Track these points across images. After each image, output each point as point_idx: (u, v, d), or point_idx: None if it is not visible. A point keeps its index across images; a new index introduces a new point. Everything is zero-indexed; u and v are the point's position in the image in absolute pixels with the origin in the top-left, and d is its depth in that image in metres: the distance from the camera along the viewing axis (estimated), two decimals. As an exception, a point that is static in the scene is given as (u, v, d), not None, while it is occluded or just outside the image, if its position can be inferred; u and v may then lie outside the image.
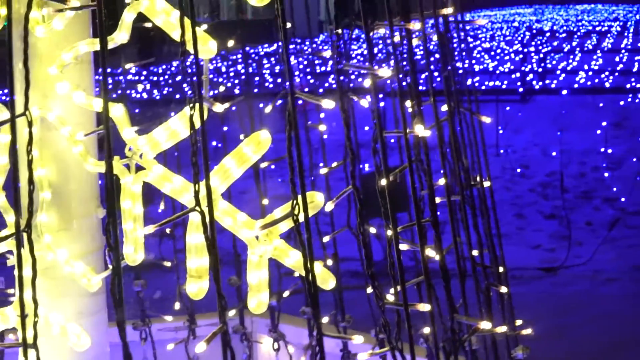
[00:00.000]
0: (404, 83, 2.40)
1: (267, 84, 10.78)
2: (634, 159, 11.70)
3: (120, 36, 2.68)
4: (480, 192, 2.90)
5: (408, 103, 2.36)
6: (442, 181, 2.38)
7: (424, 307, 2.17)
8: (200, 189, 2.05)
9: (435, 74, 2.71)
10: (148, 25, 2.69)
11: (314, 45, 15.40)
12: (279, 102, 2.84)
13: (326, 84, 12.79)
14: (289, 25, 3.81)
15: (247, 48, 15.03)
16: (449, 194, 2.44)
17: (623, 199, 9.87)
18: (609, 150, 11.79)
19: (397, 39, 2.53)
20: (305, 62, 12.54)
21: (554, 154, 11.84)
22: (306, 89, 9.23)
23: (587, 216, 9.41)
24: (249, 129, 3.74)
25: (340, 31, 2.82)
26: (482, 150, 3.04)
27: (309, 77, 11.08)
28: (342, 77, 3.03)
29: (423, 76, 2.85)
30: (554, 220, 9.33)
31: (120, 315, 1.97)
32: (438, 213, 2.44)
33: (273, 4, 2.13)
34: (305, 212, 1.98)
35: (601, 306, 7.05)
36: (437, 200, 2.38)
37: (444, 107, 2.71)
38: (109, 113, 2.13)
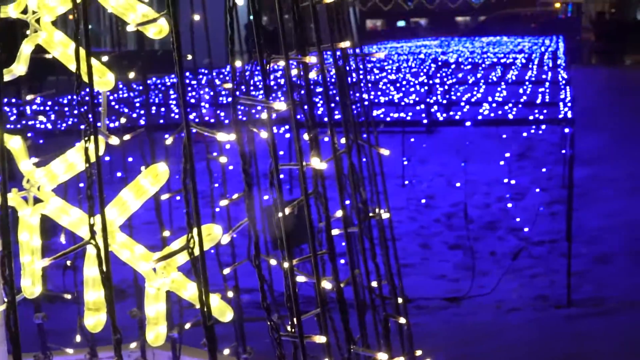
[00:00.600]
0: (301, 115, 2.43)
1: (173, 115, 10.71)
2: (537, 190, 11.92)
3: (18, 68, 2.66)
4: (379, 224, 2.94)
5: (307, 135, 2.39)
6: (339, 213, 2.41)
7: (320, 339, 2.19)
8: (97, 221, 2.04)
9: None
10: (48, 56, 2.67)
11: (221, 76, 15.35)
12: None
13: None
14: (189, 57, 3.80)
15: (154, 78, 14.88)
16: (346, 225, 2.47)
17: (526, 229, 10.02)
18: (513, 181, 11.99)
19: (295, 72, 2.56)
20: (212, 93, 12.50)
21: (458, 184, 11.99)
22: (212, 120, 9.19)
23: (491, 246, 9.53)
24: (151, 161, 3.74)
25: (240, 63, 2.82)
26: (382, 182, 3.07)
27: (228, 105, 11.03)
28: (242, 108, 3.03)
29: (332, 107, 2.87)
30: (459, 250, 9.43)
31: (16, 350, 1.94)
32: (344, 244, 2.46)
33: (174, 36, 2.13)
34: (201, 245, 1.98)
35: (505, 336, 7.14)
36: (336, 232, 2.40)
37: (343, 140, 2.74)
38: (4, 144, 2.11)
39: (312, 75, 2.51)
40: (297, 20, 2.32)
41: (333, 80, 2.95)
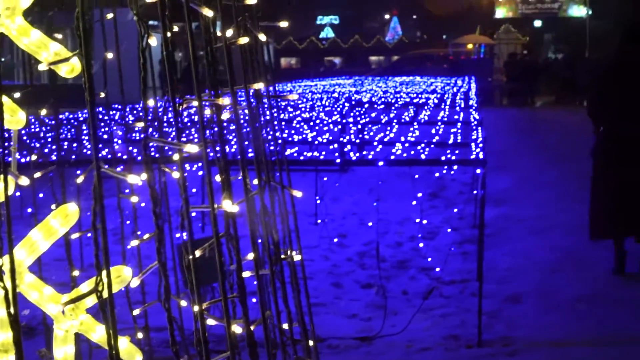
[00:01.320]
0: (213, 155, 2.42)
1: (85, 151, 10.57)
2: (449, 230, 12.04)
3: None
4: (290, 265, 2.94)
5: (219, 176, 2.39)
6: (250, 256, 2.41)
7: (230, 381, 2.18)
8: (5, 262, 2.00)
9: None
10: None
11: (135, 112, 15.22)
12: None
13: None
14: (102, 94, 3.78)
15: (67, 113, 14.67)
16: (258, 268, 2.46)
17: (438, 269, 10.10)
18: (425, 221, 12.10)
19: (208, 111, 2.56)
20: (125, 129, 12.37)
21: (370, 223, 12.06)
22: (124, 156, 9.10)
23: (403, 285, 9.57)
24: (61, 198, 3.69)
25: (152, 102, 2.81)
26: (294, 221, 3.08)
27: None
28: (155, 147, 3.02)
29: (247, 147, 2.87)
30: (371, 289, 9.44)
31: None
32: (256, 282, 2.45)
33: (86, 77, 2.11)
34: (109, 289, 1.96)
35: (415, 374, 7.19)
36: (247, 274, 2.40)
37: (255, 181, 2.74)
38: None
39: (225, 116, 2.52)
40: (211, 61, 2.32)
41: (247, 119, 2.95)
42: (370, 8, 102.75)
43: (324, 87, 27.64)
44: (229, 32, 2.57)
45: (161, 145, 2.25)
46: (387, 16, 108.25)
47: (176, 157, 2.22)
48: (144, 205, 3.74)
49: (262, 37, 2.86)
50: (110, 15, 3.14)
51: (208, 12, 2.27)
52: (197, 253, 2.19)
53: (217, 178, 2.40)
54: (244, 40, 2.49)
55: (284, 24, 3.52)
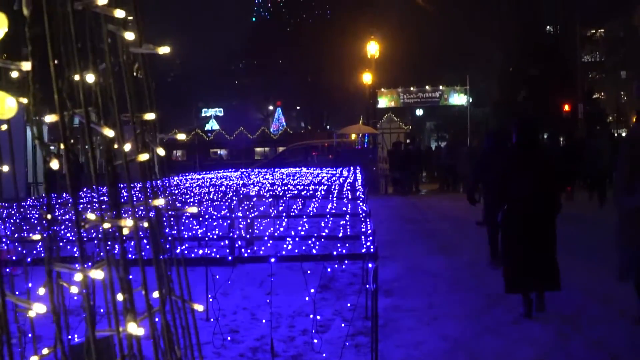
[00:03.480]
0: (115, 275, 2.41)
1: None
2: (342, 324, 12.04)
3: None
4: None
5: (121, 295, 2.37)
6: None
7: None
8: None
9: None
10: None
11: (22, 210, 14.95)
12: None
13: (34, 251, 12.39)
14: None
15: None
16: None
17: (332, 362, 10.07)
18: (318, 317, 12.08)
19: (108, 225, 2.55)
20: (13, 228, 12.15)
21: (264, 321, 12.00)
22: (14, 257, 8.92)
23: (297, 380, 9.51)
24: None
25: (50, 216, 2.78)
26: (195, 335, 3.06)
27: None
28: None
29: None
30: (265, 386, 9.37)
31: None
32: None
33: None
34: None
35: None
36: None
37: (155, 294, 2.72)
38: None
39: (126, 231, 2.50)
40: (112, 181, 2.32)
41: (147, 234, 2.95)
42: (254, 100, 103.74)
43: (211, 180, 27.66)
44: (128, 147, 2.57)
45: (63, 269, 2.21)
46: (270, 107, 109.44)
47: (79, 277, 2.19)
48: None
49: (161, 151, 2.88)
50: (4, 127, 3.11)
51: (109, 133, 2.28)
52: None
53: (120, 297, 2.38)
54: (144, 157, 2.50)
55: (181, 136, 3.54)
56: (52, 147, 2.63)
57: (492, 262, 16.09)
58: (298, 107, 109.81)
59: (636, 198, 10.55)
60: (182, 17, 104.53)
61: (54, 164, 2.24)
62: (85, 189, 16.79)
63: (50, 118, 2.44)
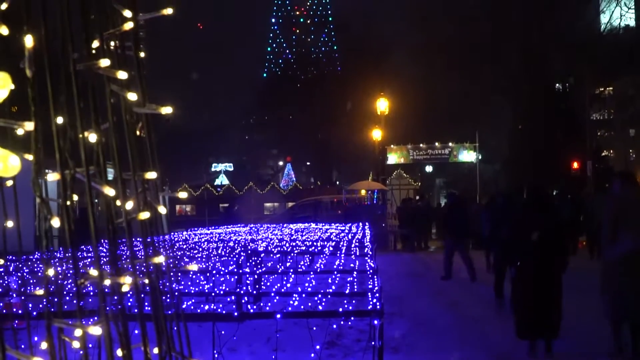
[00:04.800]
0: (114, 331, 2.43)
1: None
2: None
3: None
4: None
5: (120, 351, 2.39)
6: None
7: None
8: None
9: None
10: None
11: (29, 263, 15.00)
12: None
13: (39, 305, 12.38)
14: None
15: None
16: None
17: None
18: (324, 372, 12.03)
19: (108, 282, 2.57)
20: (20, 281, 12.17)
21: (269, 376, 11.95)
22: (19, 311, 8.92)
23: None
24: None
25: (52, 271, 2.81)
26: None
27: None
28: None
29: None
30: None
31: None
32: None
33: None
34: None
35: None
36: None
37: (156, 350, 2.74)
38: None
39: (125, 288, 2.53)
40: (112, 238, 2.35)
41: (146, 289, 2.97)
42: (264, 155, 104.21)
43: (219, 235, 27.66)
44: (129, 205, 2.61)
45: (62, 325, 2.23)
46: (280, 163, 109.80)
47: (78, 333, 2.22)
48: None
49: (163, 209, 2.92)
50: (10, 183, 3.15)
51: (109, 191, 2.32)
52: None
53: (119, 352, 2.39)
54: (144, 215, 2.53)
55: (182, 194, 3.58)
56: (55, 203, 2.66)
57: (497, 302, 18.46)
58: (308, 163, 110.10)
59: (617, 249, 12.14)
60: (194, 73, 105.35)
61: (55, 222, 2.27)
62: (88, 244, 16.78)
63: (52, 177, 2.49)
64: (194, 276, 13.62)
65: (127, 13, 2.88)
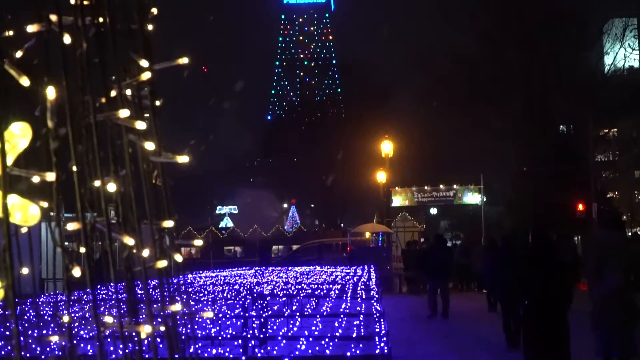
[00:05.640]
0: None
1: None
2: None
3: None
4: None
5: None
6: None
7: None
8: None
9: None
10: None
11: (35, 306, 14.97)
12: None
13: (47, 349, 12.35)
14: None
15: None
16: None
17: None
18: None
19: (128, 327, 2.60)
20: (27, 325, 12.15)
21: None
22: (27, 354, 8.88)
23: None
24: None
25: (67, 318, 2.84)
26: None
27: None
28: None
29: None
30: None
31: None
32: None
33: None
34: None
35: None
36: None
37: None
38: None
39: (143, 335, 2.55)
40: (130, 287, 2.38)
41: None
42: (269, 197, 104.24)
43: (225, 278, 27.64)
44: (146, 253, 2.64)
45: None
46: (285, 205, 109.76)
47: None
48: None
49: (179, 257, 2.95)
50: (24, 230, 3.18)
51: (129, 241, 2.35)
52: None
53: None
54: (162, 263, 2.56)
55: (198, 242, 3.61)
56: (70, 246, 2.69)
57: (507, 343, 18.42)
58: (312, 205, 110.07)
59: (601, 288, 12.85)
60: (198, 114, 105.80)
61: (76, 272, 2.30)
62: (103, 287, 16.85)
63: (72, 225, 2.52)
64: (200, 319, 13.59)
65: (144, 63, 2.93)
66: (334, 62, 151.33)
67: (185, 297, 3.60)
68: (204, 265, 46.80)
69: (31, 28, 2.87)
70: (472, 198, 64.24)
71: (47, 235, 2.91)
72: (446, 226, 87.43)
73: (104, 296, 15.30)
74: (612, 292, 12.80)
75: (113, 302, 2.40)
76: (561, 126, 65.99)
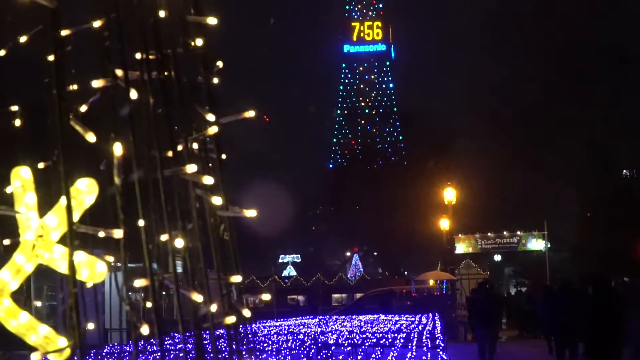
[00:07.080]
0: None
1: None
2: None
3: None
4: None
5: None
6: None
7: None
8: None
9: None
10: None
11: (99, 357, 15.10)
12: None
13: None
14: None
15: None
16: None
17: None
18: None
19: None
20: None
21: None
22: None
23: None
24: None
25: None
26: None
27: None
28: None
29: None
30: None
31: None
32: None
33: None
34: None
35: None
36: None
37: None
38: None
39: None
40: (199, 345, 2.35)
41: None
42: (331, 245, 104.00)
43: (288, 328, 27.52)
44: (214, 308, 2.61)
45: None
46: (348, 253, 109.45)
47: None
48: None
49: (247, 312, 2.92)
50: (89, 285, 3.18)
51: (197, 297, 2.33)
52: None
53: None
54: (230, 319, 2.53)
55: (266, 296, 3.56)
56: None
57: None
58: (375, 253, 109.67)
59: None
60: (258, 163, 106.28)
61: (145, 329, 2.28)
62: (167, 338, 16.87)
63: (139, 282, 2.50)
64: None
65: (210, 117, 2.92)
66: (395, 109, 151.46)
67: (251, 346, 3.57)
68: (268, 315, 46.74)
69: (96, 83, 2.88)
70: (536, 244, 63.50)
71: (110, 285, 2.89)
72: (510, 273, 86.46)
73: (168, 346, 15.29)
74: None
75: (177, 352, 2.37)
76: (624, 171, 65.28)
